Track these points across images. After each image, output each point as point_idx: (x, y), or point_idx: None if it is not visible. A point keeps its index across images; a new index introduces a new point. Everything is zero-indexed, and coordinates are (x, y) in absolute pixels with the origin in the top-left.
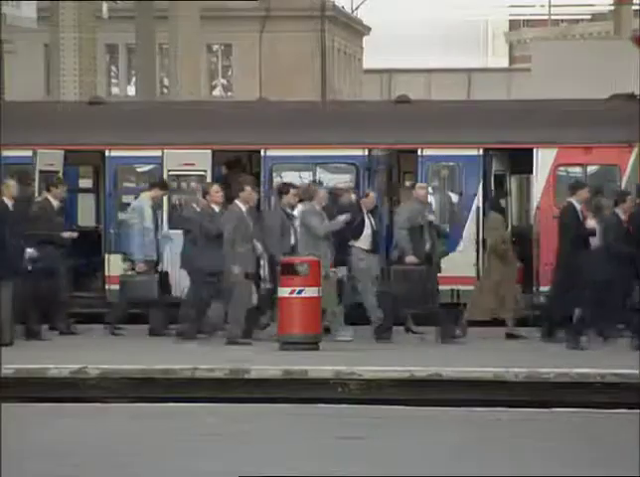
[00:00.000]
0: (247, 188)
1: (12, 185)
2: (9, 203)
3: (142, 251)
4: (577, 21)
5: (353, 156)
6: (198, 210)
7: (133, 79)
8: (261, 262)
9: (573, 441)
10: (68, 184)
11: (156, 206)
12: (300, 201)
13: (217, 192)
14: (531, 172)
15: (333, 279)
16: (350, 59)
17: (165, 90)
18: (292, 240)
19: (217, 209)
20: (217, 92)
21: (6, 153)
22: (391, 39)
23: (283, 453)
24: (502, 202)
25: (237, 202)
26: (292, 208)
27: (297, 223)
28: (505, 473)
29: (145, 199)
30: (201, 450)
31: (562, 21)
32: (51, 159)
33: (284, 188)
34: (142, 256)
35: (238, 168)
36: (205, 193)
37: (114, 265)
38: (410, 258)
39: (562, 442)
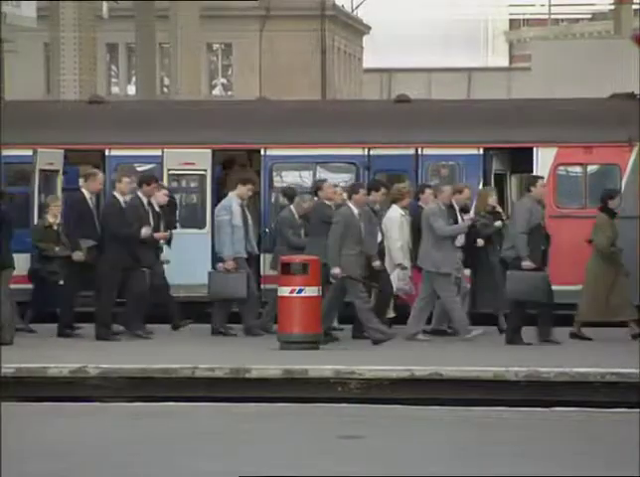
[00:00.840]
0: (362, 190)
1: (126, 181)
2: (121, 199)
3: (231, 249)
4: (577, 20)
5: (353, 155)
6: (293, 209)
7: (133, 79)
8: None
9: (573, 441)
10: (164, 186)
11: (244, 204)
12: (394, 201)
13: (329, 188)
14: (531, 171)
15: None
16: (350, 58)
17: (165, 90)
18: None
19: (329, 204)
20: (217, 92)
21: (6, 152)
22: (391, 38)
23: (283, 453)
24: (611, 203)
25: (349, 204)
26: (380, 206)
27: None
28: (505, 473)
29: (233, 197)
30: (201, 450)
31: (563, 20)
32: (51, 158)
33: (374, 185)
34: (231, 254)
35: (235, 167)
36: (317, 189)
37: None
38: (527, 264)
39: (562, 442)
